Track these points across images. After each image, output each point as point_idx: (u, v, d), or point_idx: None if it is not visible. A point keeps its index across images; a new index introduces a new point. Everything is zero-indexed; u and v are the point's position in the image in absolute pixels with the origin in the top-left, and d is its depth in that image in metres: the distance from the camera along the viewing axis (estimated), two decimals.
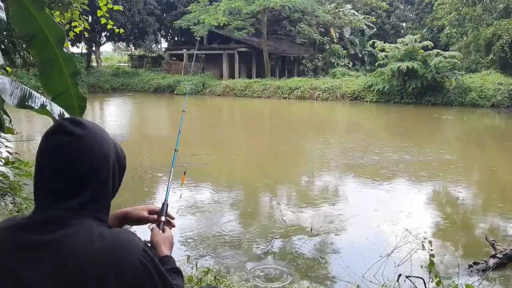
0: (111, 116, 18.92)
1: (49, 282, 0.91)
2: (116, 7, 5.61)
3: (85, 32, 5.68)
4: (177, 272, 1.20)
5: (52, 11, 4.64)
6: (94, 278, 0.91)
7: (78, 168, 0.98)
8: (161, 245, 1.27)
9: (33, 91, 1.94)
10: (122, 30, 6.14)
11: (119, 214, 1.35)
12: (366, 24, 34.96)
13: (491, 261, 4.48)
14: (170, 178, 1.63)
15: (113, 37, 35.47)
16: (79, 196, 0.98)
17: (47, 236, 0.93)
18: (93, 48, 34.35)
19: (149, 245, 1.12)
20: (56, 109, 1.94)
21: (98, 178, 1.01)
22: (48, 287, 0.91)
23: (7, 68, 4.08)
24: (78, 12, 5.04)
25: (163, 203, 1.44)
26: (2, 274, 0.93)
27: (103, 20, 5.20)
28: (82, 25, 5.29)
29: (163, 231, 1.33)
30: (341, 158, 10.19)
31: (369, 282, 4.08)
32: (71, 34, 5.40)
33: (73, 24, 5.25)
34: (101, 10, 5.13)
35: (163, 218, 1.38)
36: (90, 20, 25.03)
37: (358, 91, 23.45)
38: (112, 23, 5.34)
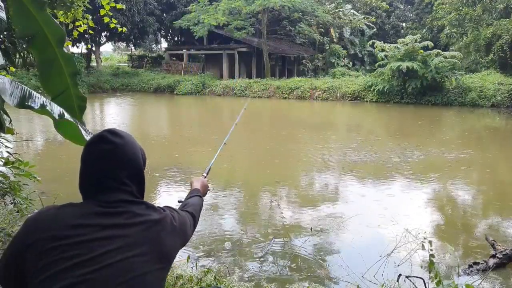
0: (111, 116, 18.92)
1: (129, 238, 1.20)
2: (118, 6, 5.60)
3: (89, 31, 5.67)
4: (194, 197, 1.80)
5: (55, 11, 4.64)
6: (159, 234, 1.27)
7: (120, 169, 1.27)
8: (195, 182, 1.95)
9: (33, 91, 1.93)
10: (125, 29, 6.13)
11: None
12: (366, 24, 34.97)
13: (491, 261, 4.48)
14: (220, 148, 2.57)
15: (113, 37, 35.46)
16: (127, 189, 1.28)
17: (127, 208, 1.25)
18: (93, 48, 34.33)
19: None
20: (56, 109, 1.93)
21: (136, 175, 1.32)
22: (128, 241, 1.19)
23: (11, 68, 4.08)
24: (81, 11, 5.03)
25: (209, 167, 2.24)
26: (73, 238, 1.16)
27: (106, 19, 5.18)
28: (87, 23, 5.27)
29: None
30: (341, 158, 10.19)
31: (369, 282, 4.08)
32: (75, 33, 5.39)
33: (76, 23, 5.24)
34: (104, 9, 5.12)
35: (204, 174, 2.11)
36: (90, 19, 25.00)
37: (358, 91, 23.45)
38: (115, 21, 5.32)
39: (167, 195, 7.33)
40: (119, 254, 1.16)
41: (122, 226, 1.21)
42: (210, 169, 2.24)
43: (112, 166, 1.26)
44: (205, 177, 2.05)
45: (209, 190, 2.03)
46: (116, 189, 1.26)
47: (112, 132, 1.30)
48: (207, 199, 7.08)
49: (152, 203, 1.46)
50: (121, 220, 1.21)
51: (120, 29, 5.69)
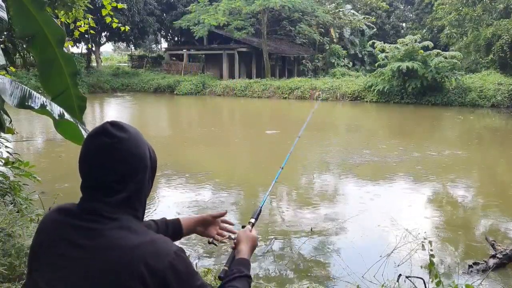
0: (111, 117, 18.93)
1: (89, 264, 1.04)
2: (120, 5, 5.61)
3: (91, 31, 5.67)
4: (243, 277, 1.33)
5: (56, 11, 4.65)
6: (127, 265, 1.03)
7: (119, 167, 1.12)
8: (243, 242, 1.45)
9: (33, 91, 1.93)
10: (127, 28, 6.12)
11: (198, 219, 1.58)
12: (366, 24, 34.97)
13: (491, 261, 4.48)
14: (270, 190, 1.93)
15: (113, 37, 35.48)
16: (120, 192, 1.11)
17: (93, 225, 1.08)
18: (93, 48, 34.34)
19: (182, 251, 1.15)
20: (56, 109, 1.93)
21: (137, 177, 1.14)
22: (88, 267, 1.04)
23: (11, 68, 4.08)
24: (82, 12, 5.03)
25: (258, 208, 1.65)
26: (50, 249, 1.08)
27: (108, 19, 5.19)
28: (88, 23, 5.28)
29: (250, 231, 1.50)
30: (341, 158, 10.19)
31: (369, 282, 4.08)
32: (76, 33, 5.39)
33: (78, 23, 5.24)
34: (106, 9, 5.12)
35: (253, 220, 1.57)
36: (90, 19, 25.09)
37: (358, 91, 23.46)
38: (117, 21, 5.33)
39: (166, 196, 7.33)
40: (72, 285, 1.04)
41: (81, 248, 1.06)
42: (260, 211, 1.65)
43: (111, 162, 1.11)
44: (252, 225, 1.55)
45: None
46: (111, 191, 1.10)
47: (115, 124, 1.14)
48: (208, 198, 7.09)
49: (147, 211, 1.35)
50: (84, 241, 1.06)
51: (122, 28, 5.69)
